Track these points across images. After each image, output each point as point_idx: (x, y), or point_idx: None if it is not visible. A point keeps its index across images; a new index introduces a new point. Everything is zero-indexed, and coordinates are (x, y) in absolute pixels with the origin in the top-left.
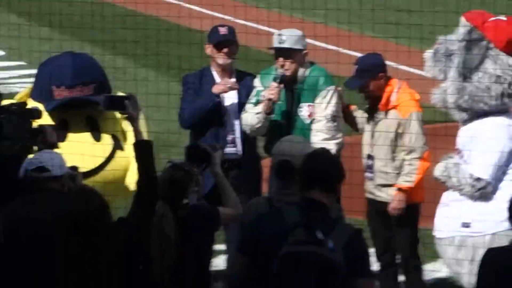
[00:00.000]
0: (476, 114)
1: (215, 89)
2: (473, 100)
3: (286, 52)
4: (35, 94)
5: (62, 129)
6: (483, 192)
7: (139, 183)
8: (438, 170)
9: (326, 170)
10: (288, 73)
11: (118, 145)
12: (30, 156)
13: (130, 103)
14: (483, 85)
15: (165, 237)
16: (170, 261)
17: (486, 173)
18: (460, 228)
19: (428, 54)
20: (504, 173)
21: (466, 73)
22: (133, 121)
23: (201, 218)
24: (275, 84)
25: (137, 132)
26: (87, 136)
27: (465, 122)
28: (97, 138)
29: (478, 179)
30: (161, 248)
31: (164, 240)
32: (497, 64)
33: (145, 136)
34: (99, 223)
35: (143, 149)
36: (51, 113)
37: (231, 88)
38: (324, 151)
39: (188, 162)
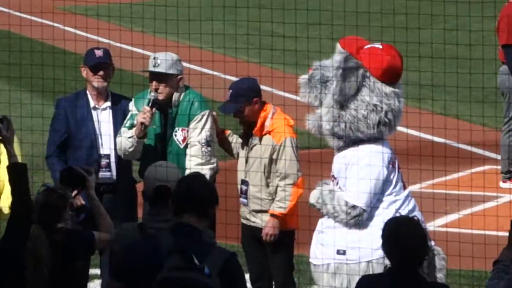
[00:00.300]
0: (351, 141)
1: None
2: (350, 128)
3: (160, 76)
4: None
5: None
6: (358, 219)
7: (13, 206)
8: (313, 197)
9: (199, 195)
10: (161, 97)
11: None
12: None
13: (4, 125)
14: (360, 113)
15: (39, 261)
16: (43, 285)
17: (361, 201)
18: (335, 255)
19: (302, 80)
20: (379, 200)
21: (342, 101)
22: (7, 143)
23: (76, 242)
24: (147, 108)
25: (10, 154)
26: None
27: (340, 149)
28: None
29: (354, 207)
30: (35, 271)
31: (38, 264)
32: (374, 93)
33: (19, 159)
34: None
35: (17, 172)
36: None
37: None
38: (197, 176)
39: (62, 186)
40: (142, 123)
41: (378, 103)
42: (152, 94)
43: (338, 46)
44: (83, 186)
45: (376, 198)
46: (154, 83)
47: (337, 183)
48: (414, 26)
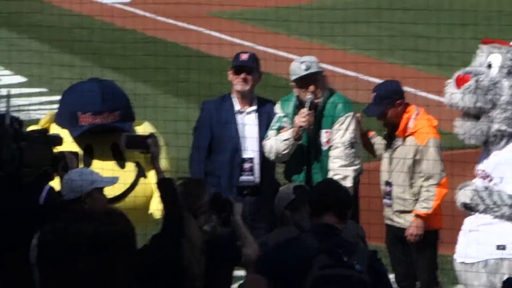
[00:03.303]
0: (510, 139)
1: None
2: None
3: (314, 77)
4: (59, 119)
5: (87, 155)
6: None
7: (165, 219)
8: (466, 197)
9: (339, 196)
10: (318, 98)
11: (141, 173)
12: (51, 182)
13: (152, 142)
14: None
15: (193, 246)
16: (199, 270)
17: None
18: (495, 251)
19: (468, 88)
20: None
21: None
22: (154, 159)
23: (222, 250)
24: (305, 111)
25: (158, 170)
26: (111, 163)
27: (495, 147)
28: (122, 165)
29: None
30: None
31: (192, 249)
32: None
33: (167, 174)
34: (125, 245)
35: (165, 187)
36: (76, 138)
37: None
38: (333, 180)
39: (212, 211)
40: (300, 127)
41: None
42: (310, 96)
43: (498, 46)
44: (230, 211)
45: None
46: (311, 87)
47: (491, 180)
48: None
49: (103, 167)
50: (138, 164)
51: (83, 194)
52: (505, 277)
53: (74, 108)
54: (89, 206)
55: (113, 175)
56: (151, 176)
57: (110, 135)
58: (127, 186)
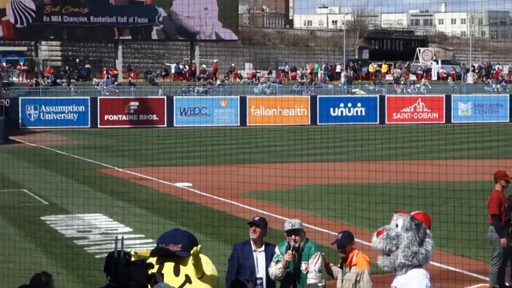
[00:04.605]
0: (409, 267)
1: None
2: (424, 258)
3: (297, 231)
4: (152, 251)
5: (161, 268)
6: None
7: None
8: None
9: None
10: (297, 244)
11: (188, 279)
12: None
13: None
14: (429, 248)
15: None
16: None
17: None
18: None
19: (381, 237)
20: None
21: (420, 242)
22: None
23: None
24: (290, 252)
25: None
26: (172, 274)
27: (401, 273)
28: (177, 275)
29: None
30: None
31: None
32: (430, 236)
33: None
34: None
35: None
36: (157, 260)
37: None
38: None
39: None
40: (287, 261)
41: (431, 241)
42: (293, 243)
43: (403, 214)
44: None
45: None
46: (293, 236)
47: None
48: (437, 204)
49: (169, 275)
50: (187, 275)
51: None
52: None
53: (159, 242)
54: None
55: (175, 280)
56: (195, 281)
57: (173, 258)
58: (178, 285)
